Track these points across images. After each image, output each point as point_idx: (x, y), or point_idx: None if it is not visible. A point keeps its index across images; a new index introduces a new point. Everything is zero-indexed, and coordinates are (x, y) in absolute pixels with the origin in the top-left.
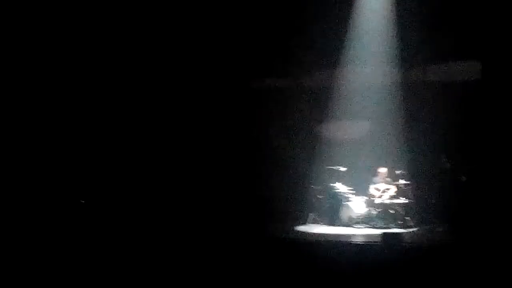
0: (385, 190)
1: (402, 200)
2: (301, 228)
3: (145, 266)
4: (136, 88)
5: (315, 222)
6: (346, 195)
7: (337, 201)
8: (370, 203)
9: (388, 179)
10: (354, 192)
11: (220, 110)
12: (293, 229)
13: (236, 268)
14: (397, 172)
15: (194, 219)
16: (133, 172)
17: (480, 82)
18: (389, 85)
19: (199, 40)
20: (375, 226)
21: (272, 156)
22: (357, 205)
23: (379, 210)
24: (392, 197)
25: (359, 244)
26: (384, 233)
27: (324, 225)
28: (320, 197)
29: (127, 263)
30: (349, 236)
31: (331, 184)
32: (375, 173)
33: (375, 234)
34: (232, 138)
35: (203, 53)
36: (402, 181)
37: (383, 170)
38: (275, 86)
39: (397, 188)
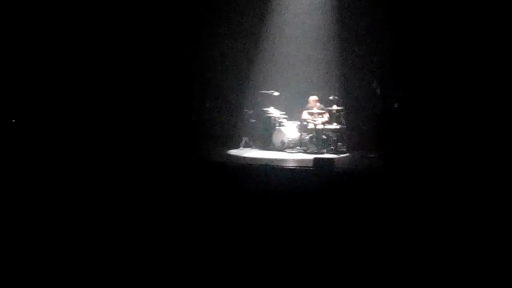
0: (318, 115)
1: (334, 125)
2: (234, 152)
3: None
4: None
5: (247, 146)
6: (279, 120)
7: (270, 125)
8: (303, 128)
9: (321, 104)
10: (287, 117)
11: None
12: (225, 153)
13: (168, 191)
14: (330, 97)
15: (126, 143)
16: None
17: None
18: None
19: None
20: (307, 151)
21: (205, 80)
22: (289, 130)
23: (312, 135)
24: (324, 123)
25: (291, 168)
26: (316, 158)
27: (256, 149)
28: (253, 121)
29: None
30: (281, 160)
31: (264, 109)
32: (308, 99)
33: (307, 159)
34: (166, 63)
35: None
36: (334, 107)
37: (315, 96)
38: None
39: (330, 114)
